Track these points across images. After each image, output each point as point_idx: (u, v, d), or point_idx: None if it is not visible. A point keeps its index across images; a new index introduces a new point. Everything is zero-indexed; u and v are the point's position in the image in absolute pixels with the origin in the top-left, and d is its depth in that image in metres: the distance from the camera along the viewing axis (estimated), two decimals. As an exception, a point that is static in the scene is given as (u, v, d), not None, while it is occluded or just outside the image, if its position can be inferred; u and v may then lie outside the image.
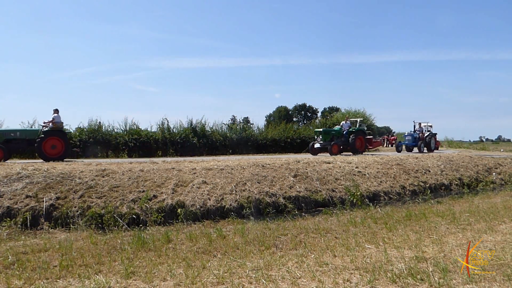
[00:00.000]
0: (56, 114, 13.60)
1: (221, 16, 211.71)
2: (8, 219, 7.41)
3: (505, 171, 16.49)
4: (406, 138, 21.66)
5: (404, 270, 3.87)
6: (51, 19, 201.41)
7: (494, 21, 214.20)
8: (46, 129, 13.37)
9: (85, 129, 19.84)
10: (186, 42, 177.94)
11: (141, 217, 7.93)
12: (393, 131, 46.40)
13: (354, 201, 10.17)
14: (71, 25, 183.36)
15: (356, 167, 12.59)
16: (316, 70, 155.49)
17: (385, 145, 32.17)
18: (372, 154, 17.87)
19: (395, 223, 6.83)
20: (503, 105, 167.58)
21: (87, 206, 7.98)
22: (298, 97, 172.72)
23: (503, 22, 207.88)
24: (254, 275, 3.95)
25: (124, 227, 7.48)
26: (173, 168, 10.28)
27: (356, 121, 21.11)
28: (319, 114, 69.33)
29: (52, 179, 8.81)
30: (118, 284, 3.84)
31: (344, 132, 18.77)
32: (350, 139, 18.27)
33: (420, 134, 21.21)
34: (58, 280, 4.12)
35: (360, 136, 18.70)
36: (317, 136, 18.96)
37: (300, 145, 24.33)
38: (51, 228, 7.42)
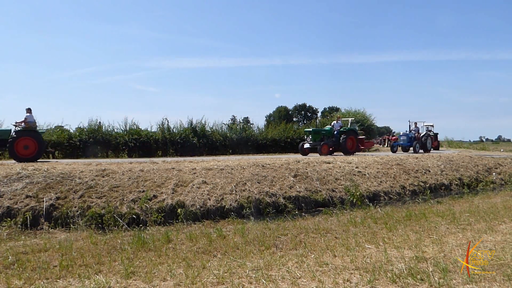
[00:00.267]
0: (28, 114, 13.19)
1: (221, 16, 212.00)
2: (8, 219, 7.41)
3: (505, 171, 16.48)
4: (401, 138, 20.66)
5: (404, 270, 3.87)
6: (51, 19, 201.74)
7: (494, 21, 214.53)
8: (18, 129, 12.99)
9: (85, 129, 19.85)
10: (186, 42, 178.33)
11: (141, 217, 7.93)
12: (393, 131, 46.35)
13: (354, 201, 10.18)
14: (71, 25, 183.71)
15: (356, 167, 12.59)
16: (316, 70, 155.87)
17: (386, 145, 32.13)
18: (372, 154, 17.87)
19: (395, 223, 6.83)
20: (503, 105, 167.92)
21: (87, 206, 7.98)
22: (298, 97, 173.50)
23: (503, 22, 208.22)
24: (254, 275, 3.95)
25: (124, 227, 7.48)
26: (173, 168, 10.28)
27: (348, 120, 20.61)
28: (319, 114, 69.41)
29: (52, 179, 8.81)
30: (118, 284, 3.84)
31: (335, 132, 18.28)
32: (341, 139, 17.80)
33: (416, 134, 20.40)
34: (58, 280, 4.12)
35: (352, 136, 18.15)
36: (307, 136, 18.61)
37: (300, 145, 24.35)
38: (51, 228, 7.43)
